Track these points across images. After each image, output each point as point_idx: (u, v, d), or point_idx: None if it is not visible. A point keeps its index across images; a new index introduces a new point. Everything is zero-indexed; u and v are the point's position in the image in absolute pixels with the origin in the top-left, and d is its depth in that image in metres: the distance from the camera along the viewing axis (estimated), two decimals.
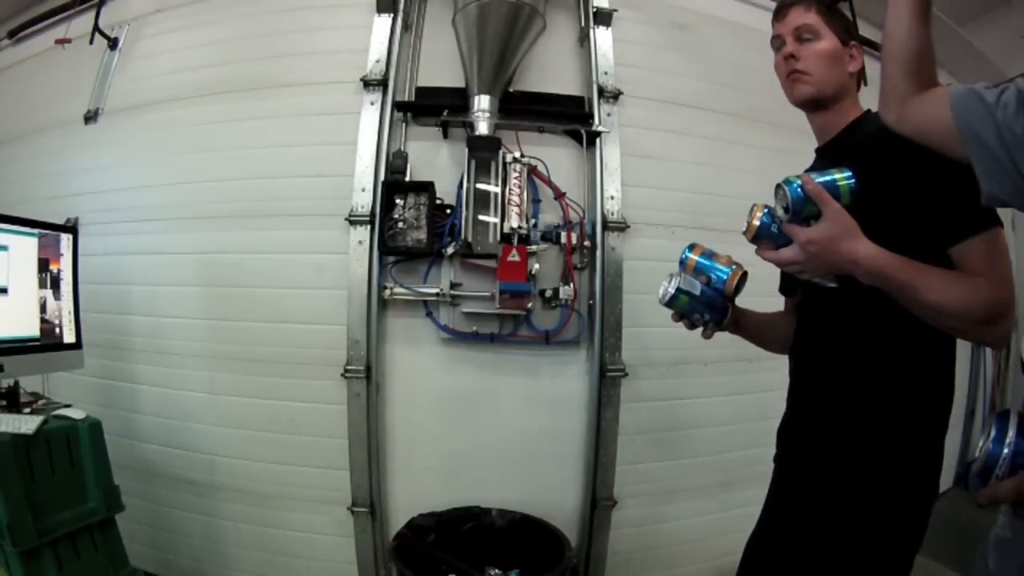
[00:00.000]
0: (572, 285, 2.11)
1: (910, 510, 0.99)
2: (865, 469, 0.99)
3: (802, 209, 0.87)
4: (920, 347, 0.96)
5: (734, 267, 1.08)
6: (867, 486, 0.99)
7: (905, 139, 0.87)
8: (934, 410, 1.00)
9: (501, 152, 2.10)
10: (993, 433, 0.70)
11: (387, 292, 2.10)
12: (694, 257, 1.10)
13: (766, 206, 0.93)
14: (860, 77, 1.12)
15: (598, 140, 2.18)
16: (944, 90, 0.81)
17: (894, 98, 0.87)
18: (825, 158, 1.11)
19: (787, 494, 1.15)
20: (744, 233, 0.94)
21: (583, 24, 2.28)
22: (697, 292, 1.07)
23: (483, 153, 2.09)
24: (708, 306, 1.09)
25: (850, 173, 0.88)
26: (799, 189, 0.86)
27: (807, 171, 1.05)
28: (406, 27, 2.25)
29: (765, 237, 0.93)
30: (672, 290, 1.07)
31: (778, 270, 1.13)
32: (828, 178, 0.88)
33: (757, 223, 0.92)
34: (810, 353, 1.13)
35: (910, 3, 0.83)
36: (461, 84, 2.16)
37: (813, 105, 1.11)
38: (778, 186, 0.90)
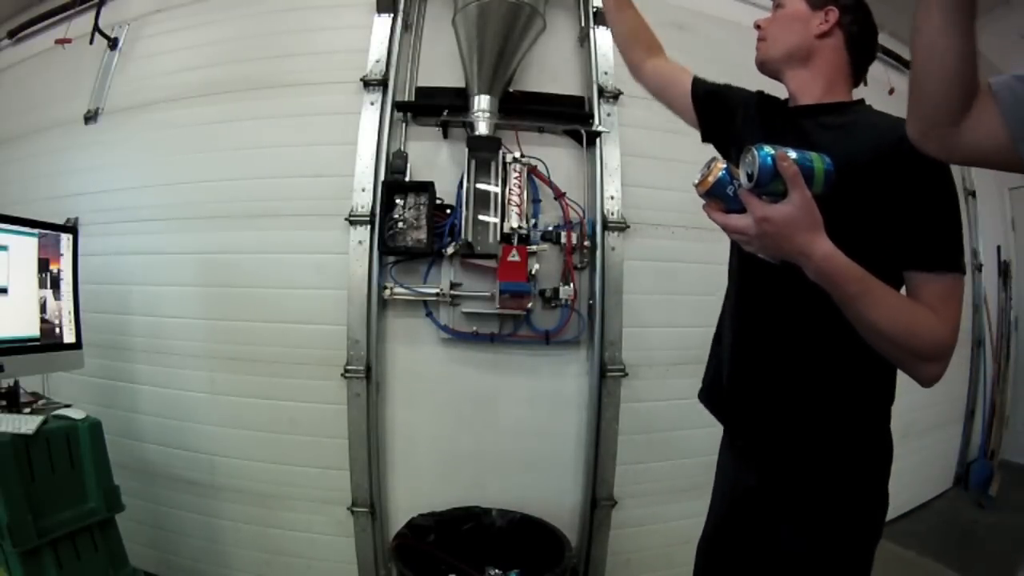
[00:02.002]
0: (572, 285, 2.11)
1: (862, 502, 0.98)
2: (817, 461, 0.99)
3: (768, 183, 0.78)
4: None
5: None
6: (819, 477, 0.99)
7: (914, 148, 0.78)
8: (878, 400, 0.99)
9: (501, 152, 2.10)
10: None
11: (387, 292, 2.10)
12: None
13: (726, 162, 0.85)
14: (850, 46, 1.03)
15: (598, 140, 2.18)
16: (989, 101, 0.68)
17: (933, 134, 0.74)
18: (800, 120, 1.03)
19: (741, 492, 1.15)
20: (696, 186, 0.87)
21: (583, 24, 2.28)
22: None
23: (483, 153, 2.09)
24: None
25: (831, 162, 0.80)
26: (770, 160, 0.77)
27: (770, 122, 1.05)
28: (406, 27, 2.25)
29: (717, 196, 0.85)
30: None
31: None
32: (804, 157, 0.79)
33: (713, 179, 0.84)
34: (751, 327, 1.09)
35: (944, 4, 0.65)
36: (461, 84, 2.16)
37: (767, 70, 1.10)
38: (748, 149, 0.80)
